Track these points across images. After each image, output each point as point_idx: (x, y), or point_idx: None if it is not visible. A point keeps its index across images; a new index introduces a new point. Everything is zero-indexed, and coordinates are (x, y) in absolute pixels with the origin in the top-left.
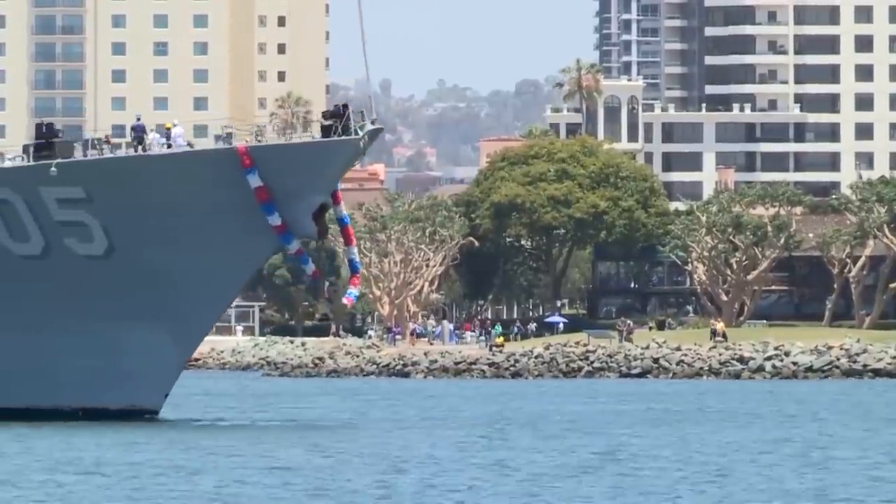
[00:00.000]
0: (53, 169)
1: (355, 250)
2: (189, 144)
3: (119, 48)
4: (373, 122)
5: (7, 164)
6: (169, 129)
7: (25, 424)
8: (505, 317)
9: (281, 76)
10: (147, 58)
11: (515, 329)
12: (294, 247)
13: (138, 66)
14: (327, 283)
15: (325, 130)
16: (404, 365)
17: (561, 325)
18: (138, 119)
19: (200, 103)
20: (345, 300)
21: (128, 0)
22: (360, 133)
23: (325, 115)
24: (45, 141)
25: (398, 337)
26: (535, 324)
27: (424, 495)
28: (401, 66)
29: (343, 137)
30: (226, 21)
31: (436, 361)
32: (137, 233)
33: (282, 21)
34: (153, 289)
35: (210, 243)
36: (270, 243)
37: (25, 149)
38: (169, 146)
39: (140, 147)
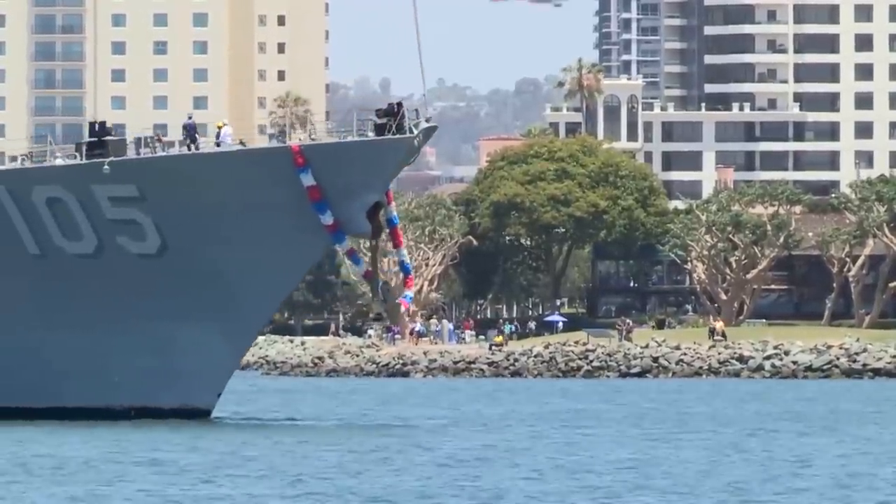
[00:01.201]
0: (106, 167)
1: (405, 252)
2: (241, 143)
3: (119, 48)
4: (427, 121)
5: (59, 161)
6: (220, 128)
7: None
8: (505, 316)
9: (281, 75)
10: (147, 57)
11: (514, 328)
12: (345, 246)
13: (138, 65)
14: (381, 283)
15: (380, 129)
16: (404, 364)
17: (560, 325)
18: (190, 118)
19: (200, 103)
20: (400, 302)
21: (127, 0)
22: (415, 131)
23: (379, 114)
24: (98, 139)
25: (397, 336)
26: (534, 323)
27: None
28: (401, 66)
29: (398, 136)
30: (226, 21)
31: (435, 361)
32: (190, 231)
33: (282, 21)
34: (206, 288)
35: (263, 242)
36: (323, 242)
37: (78, 147)
38: (217, 146)
39: (192, 145)
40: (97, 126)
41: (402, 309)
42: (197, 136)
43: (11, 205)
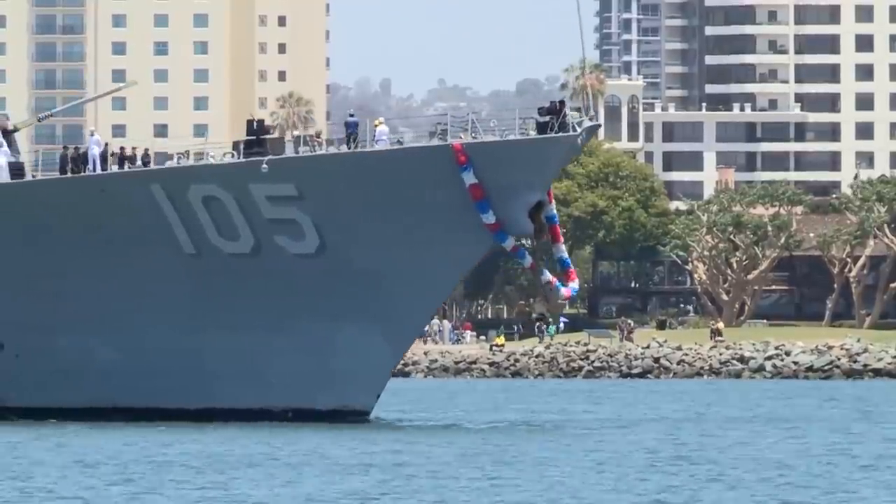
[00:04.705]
0: (265, 166)
1: (563, 247)
2: (399, 142)
3: (119, 48)
4: (590, 119)
5: (212, 160)
6: (377, 126)
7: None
8: (505, 316)
9: (281, 76)
10: (147, 58)
11: (515, 329)
12: (510, 244)
13: (138, 66)
14: (544, 281)
15: (542, 127)
16: (404, 364)
17: (561, 325)
18: (351, 115)
19: (200, 103)
20: (563, 291)
21: (128, 0)
22: (578, 129)
23: (542, 112)
24: (256, 137)
25: None
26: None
27: None
28: (401, 66)
29: (560, 134)
30: (226, 21)
31: (436, 361)
32: (349, 231)
33: (282, 21)
34: (365, 287)
35: (423, 241)
36: (485, 242)
37: (235, 145)
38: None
39: (353, 143)
40: (255, 124)
41: (566, 297)
42: (357, 133)
43: (167, 204)
